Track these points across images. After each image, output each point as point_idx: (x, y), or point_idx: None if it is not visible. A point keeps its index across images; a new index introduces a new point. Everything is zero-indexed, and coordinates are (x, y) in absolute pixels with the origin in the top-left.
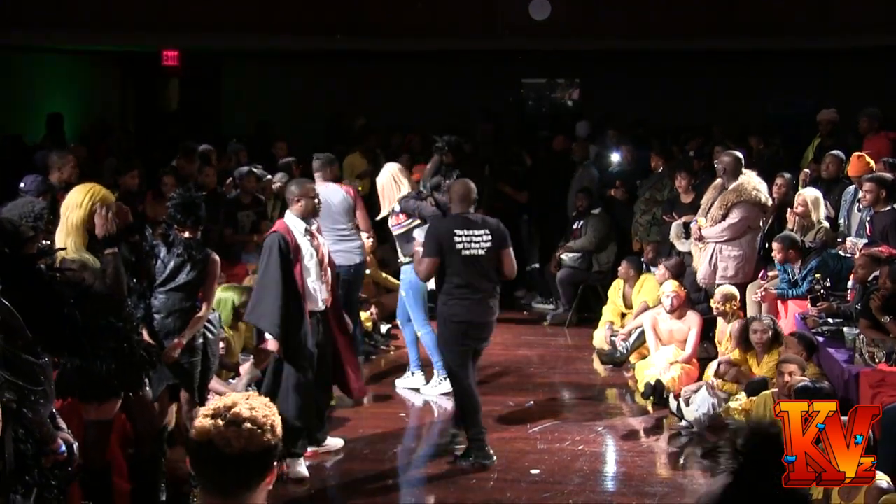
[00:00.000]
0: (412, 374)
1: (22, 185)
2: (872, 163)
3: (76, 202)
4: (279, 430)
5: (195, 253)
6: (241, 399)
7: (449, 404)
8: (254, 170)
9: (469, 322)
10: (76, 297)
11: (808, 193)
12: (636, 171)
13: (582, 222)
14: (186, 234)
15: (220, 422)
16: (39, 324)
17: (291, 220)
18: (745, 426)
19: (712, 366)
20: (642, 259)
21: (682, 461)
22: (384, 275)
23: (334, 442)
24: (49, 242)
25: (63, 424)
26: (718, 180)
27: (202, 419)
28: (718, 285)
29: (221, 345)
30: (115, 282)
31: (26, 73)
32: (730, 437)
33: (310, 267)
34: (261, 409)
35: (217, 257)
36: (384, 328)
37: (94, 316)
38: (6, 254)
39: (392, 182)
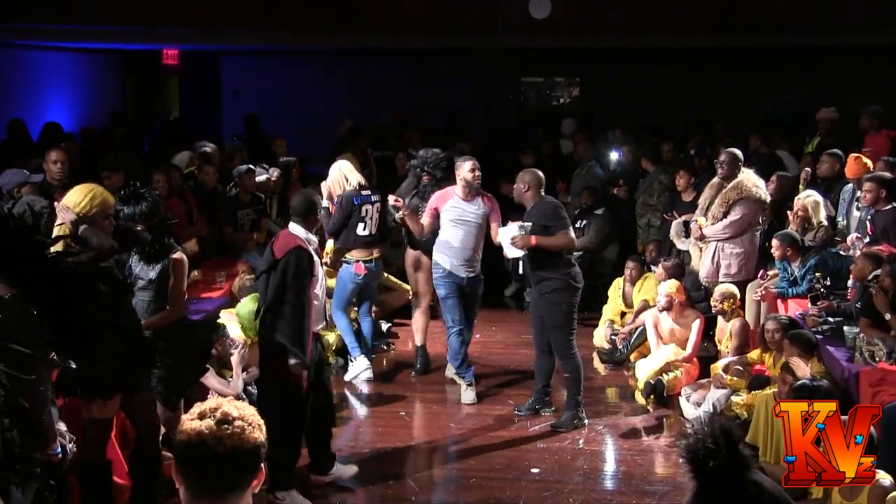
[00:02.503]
0: (354, 360)
1: None
2: (870, 163)
3: (74, 202)
4: (264, 429)
5: (147, 246)
6: (224, 401)
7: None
8: (253, 168)
9: (581, 286)
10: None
11: (808, 199)
12: (638, 169)
13: (585, 221)
14: (137, 228)
15: (211, 421)
16: (52, 323)
17: (302, 233)
18: (705, 428)
19: (722, 362)
20: (643, 257)
21: (681, 460)
22: (385, 273)
23: (343, 470)
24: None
25: (63, 427)
26: (716, 179)
27: (190, 421)
28: (722, 283)
29: (242, 351)
30: (99, 242)
31: (28, 71)
32: (695, 442)
33: (316, 286)
34: (245, 408)
35: (182, 256)
36: (384, 326)
37: (96, 314)
38: (29, 250)
39: (339, 179)
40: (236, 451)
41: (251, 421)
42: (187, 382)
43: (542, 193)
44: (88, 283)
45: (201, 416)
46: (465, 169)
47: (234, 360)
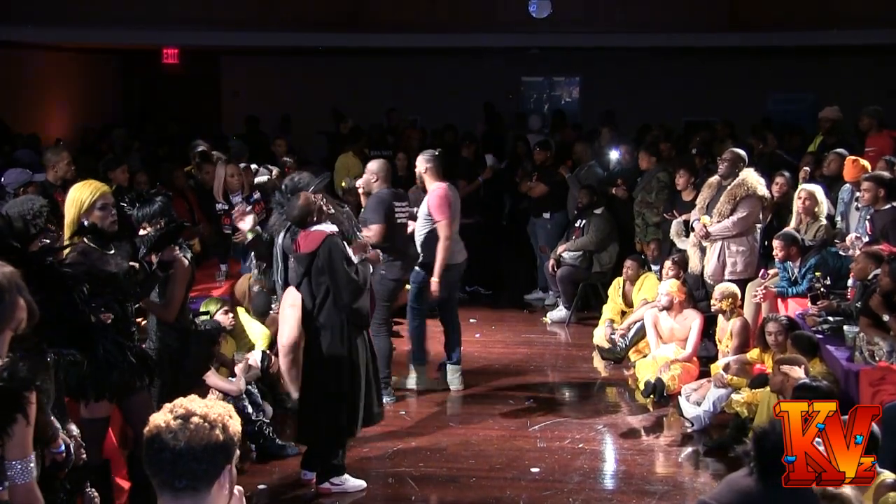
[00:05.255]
0: None
1: (2, 179)
2: (868, 165)
3: (72, 199)
4: (233, 431)
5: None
6: (195, 399)
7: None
8: (250, 167)
9: (403, 280)
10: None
11: (810, 186)
12: (637, 169)
13: (584, 221)
14: (143, 231)
15: (170, 415)
16: (44, 318)
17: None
18: (771, 428)
19: (722, 361)
20: (643, 256)
21: (681, 459)
22: None
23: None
24: (49, 241)
25: (74, 429)
26: (714, 178)
27: (157, 413)
28: (730, 281)
29: (262, 365)
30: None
31: (27, 71)
32: (774, 435)
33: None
34: (217, 408)
35: (184, 260)
36: None
37: (83, 312)
38: (17, 249)
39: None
40: (188, 446)
41: (213, 419)
42: (182, 391)
43: (389, 184)
44: (74, 282)
45: (167, 411)
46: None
47: (240, 368)
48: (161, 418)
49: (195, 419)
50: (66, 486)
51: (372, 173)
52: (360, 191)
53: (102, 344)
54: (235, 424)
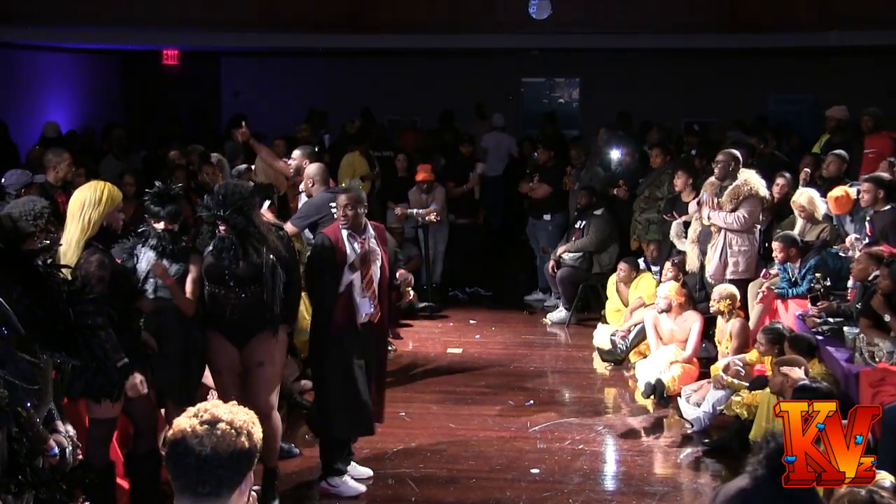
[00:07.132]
0: None
1: (3, 180)
2: (853, 193)
3: (94, 199)
4: (257, 438)
5: (167, 244)
6: (219, 404)
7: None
8: (251, 168)
9: None
10: (70, 294)
11: (801, 197)
12: (639, 169)
13: (584, 222)
14: (161, 226)
15: (196, 420)
16: (36, 321)
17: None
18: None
19: (722, 363)
20: (642, 258)
21: (681, 460)
22: None
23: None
24: (49, 241)
25: (61, 427)
26: (712, 178)
27: (181, 417)
28: (730, 281)
29: None
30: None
31: (27, 71)
32: (764, 445)
33: (350, 276)
34: (241, 414)
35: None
36: None
37: (91, 314)
38: (2, 249)
39: None
40: (215, 452)
41: (239, 426)
42: (198, 378)
43: (324, 189)
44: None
45: (193, 415)
46: None
47: None
48: (187, 423)
49: (222, 425)
50: (63, 487)
51: (309, 178)
52: (304, 194)
53: (87, 346)
54: (258, 431)
